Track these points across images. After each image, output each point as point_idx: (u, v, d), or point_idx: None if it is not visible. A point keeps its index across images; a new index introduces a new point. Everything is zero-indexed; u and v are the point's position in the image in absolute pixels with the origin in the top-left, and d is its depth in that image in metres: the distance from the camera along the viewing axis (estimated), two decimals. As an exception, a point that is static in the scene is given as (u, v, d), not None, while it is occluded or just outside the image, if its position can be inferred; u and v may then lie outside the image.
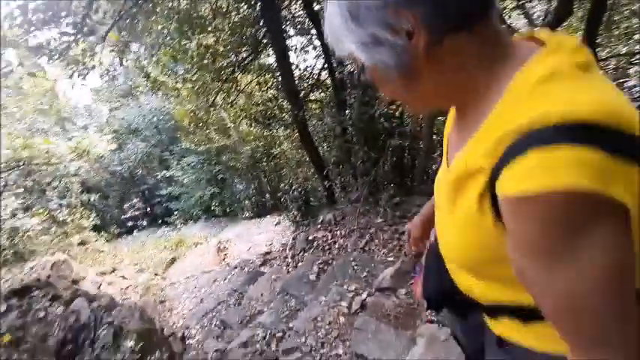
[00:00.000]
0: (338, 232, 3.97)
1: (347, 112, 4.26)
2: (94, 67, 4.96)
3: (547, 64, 0.41)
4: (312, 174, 5.74)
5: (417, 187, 4.19)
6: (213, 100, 5.68)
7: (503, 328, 0.59)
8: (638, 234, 0.38)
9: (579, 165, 0.34)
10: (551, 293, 0.40)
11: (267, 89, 5.80)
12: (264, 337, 2.88)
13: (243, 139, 8.47)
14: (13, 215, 4.67)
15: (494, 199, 0.42)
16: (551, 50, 0.43)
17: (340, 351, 2.44)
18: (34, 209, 5.87)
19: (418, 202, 3.94)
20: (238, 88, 5.77)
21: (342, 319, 2.71)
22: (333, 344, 2.52)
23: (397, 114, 4.11)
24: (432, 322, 2.22)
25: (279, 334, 2.86)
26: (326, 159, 4.95)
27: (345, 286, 2.99)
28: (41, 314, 2.50)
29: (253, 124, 6.70)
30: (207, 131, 8.53)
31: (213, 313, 3.80)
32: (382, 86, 0.53)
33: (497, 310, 0.58)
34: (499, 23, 0.46)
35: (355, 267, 3.20)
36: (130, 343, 2.57)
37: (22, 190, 5.63)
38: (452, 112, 0.64)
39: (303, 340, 2.62)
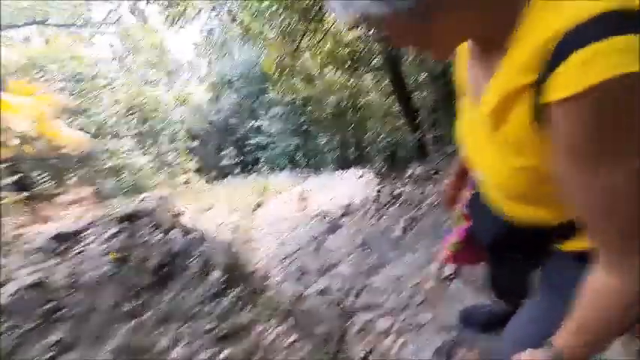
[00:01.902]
0: (429, 188, 3.50)
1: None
2: (185, 15, 5.09)
3: None
4: (402, 124, 5.19)
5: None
6: (299, 43, 5.39)
7: (579, 242, 0.59)
8: None
9: (622, 52, 0.35)
10: (595, 194, 0.42)
11: (355, 27, 5.23)
12: (341, 289, 2.75)
13: (328, 88, 8.16)
14: (130, 154, 5.35)
15: (538, 112, 0.43)
16: None
17: (426, 318, 2.15)
18: (148, 150, 6.68)
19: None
20: (324, 28, 5.34)
21: (429, 283, 2.38)
22: (418, 308, 2.24)
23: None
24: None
25: (358, 288, 2.69)
26: (419, 106, 4.34)
27: (436, 248, 2.60)
28: (144, 239, 2.77)
29: (339, 72, 6.28)
30: (293, 80, 8.42)
31: (293, 258, 3.85)
32: (402, 38, 0.50)
33: (570, 229, 0.56)
34: None
35: (449, 228, 2.76)
36: (217, 274, 2.70)
37: (137, 132, 6.42)
38: (464, 52, 0.63)
39: (384, 298, 2.40)
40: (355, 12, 0.44)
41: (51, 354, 1.53)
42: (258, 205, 6.60)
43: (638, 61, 0.35)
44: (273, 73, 8.25)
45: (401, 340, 2.06)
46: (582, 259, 0.58)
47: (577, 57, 0.37)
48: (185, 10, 4.92)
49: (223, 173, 10.47)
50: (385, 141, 4.85)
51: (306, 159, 9.49)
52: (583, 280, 0.50)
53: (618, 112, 0.37)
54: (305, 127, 9.41)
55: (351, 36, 5.40)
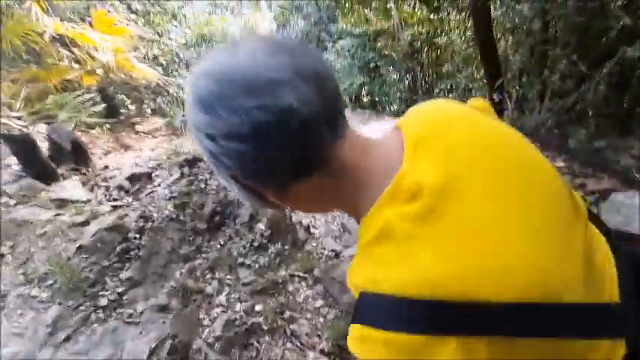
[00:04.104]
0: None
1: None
2: None
3: (377, 222, 0.39)
4: (481, 78, 4.55)
5: (640, 129, 2.72)
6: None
7: None
8: None
9: (384, 346, 0.35)
10: None
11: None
12: (376, 258, 2.84)
13: (404, 22, 7.25)
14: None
15: None
16: (387, 197, 0.40)
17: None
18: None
19: (637, 152, 2.63)
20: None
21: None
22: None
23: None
24: None
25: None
26: (505, 62, 3.69)
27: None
28: (202, 185, 3.05)
29: (418, 5, 5.47)
30: (366, 10, 7.60)
31: (337, 213, 3.97)
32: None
33: None
34: (356, 148, 0.43)
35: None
36: (261, 227, 2.94)
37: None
38: None
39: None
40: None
41: (122, 289, 1.90)
42: (314, 147, 6.68)
43: (397, 355, 0.34)
44: (345, 1, 7.50)
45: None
46: None
47: (355, 329, 0.37)
48: None
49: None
50: (460, 89, 4.31)
51: (370, 99, 9.03)
52: None
53: None
54: (373, 64, 8.73)
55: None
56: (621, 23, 2.41)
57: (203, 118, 0.38)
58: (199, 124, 0.39)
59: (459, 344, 0.33)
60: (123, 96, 5.18)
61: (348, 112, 9.76)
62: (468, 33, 5.12)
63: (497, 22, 3.56)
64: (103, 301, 1.83)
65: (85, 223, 2.17)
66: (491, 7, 3.42)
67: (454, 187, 0.37)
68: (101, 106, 4.76)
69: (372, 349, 0.36)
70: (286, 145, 0.38)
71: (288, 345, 1.91)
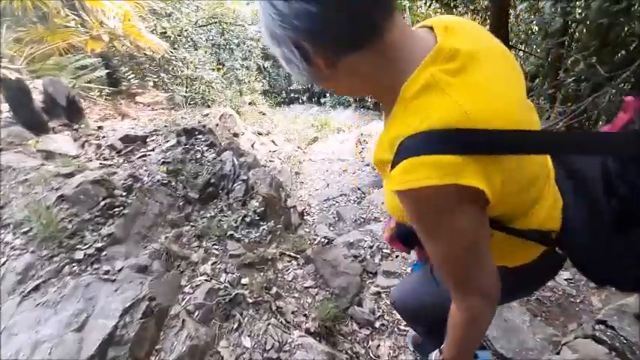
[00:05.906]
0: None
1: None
2: None
3: (422, 78, 0.50)
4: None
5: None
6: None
7: None
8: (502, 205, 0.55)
9: (430, 168, 0.46)
10: (434, 256, 0.57)
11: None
12: (370, 247, 2.74)
13: (415, 20, 7.22)
14: (203, 65, 5.47)
15: None
16: (429, 60, 0.51)
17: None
18: (223, 65, 6.77)
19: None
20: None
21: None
22: (441, 291, 2.14)
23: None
24: (598, 341, 1.51)
25: (386, 251, 2.65)
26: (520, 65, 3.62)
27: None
28: (197, 155, 2.94)
29: (434, 7, 5.42)
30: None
31: (333, 202, 3.88)
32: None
33: None
34: (401, 29, 0.52)
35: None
36: (255, 203, 2.82)
37: (214, 44, 6.45)
38: None
39: (409, 270, 2.34)
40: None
41: (102, 244, 1.78)
42: (314, 140, 6.58)
43: (438, 177, 0.46)
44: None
45: (413, 316, 2.04)
46: None
47: (402, 165, 0.48)
48: None
49: (289, 99, 10.45)
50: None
51: (374, 100, 8.96)
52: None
53: (424, 210, 0.51)
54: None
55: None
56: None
57: None
58: None
59: (481, 164, 0.47)
60: (126, 67, 5.05)
61: (351, 111, 9.71)
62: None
63: (516, 23, 3.50)
64: (79, 255, 1.70)
65: (70, 175, 2.05)
66: (510, 7, 3.36)
67: (478, 56, 0.51)
68: (102, 73, 4.64)
69: (418, 175, 0.46)
70: (346, 7, 0.46)
71: (273, 321, 1.80)
